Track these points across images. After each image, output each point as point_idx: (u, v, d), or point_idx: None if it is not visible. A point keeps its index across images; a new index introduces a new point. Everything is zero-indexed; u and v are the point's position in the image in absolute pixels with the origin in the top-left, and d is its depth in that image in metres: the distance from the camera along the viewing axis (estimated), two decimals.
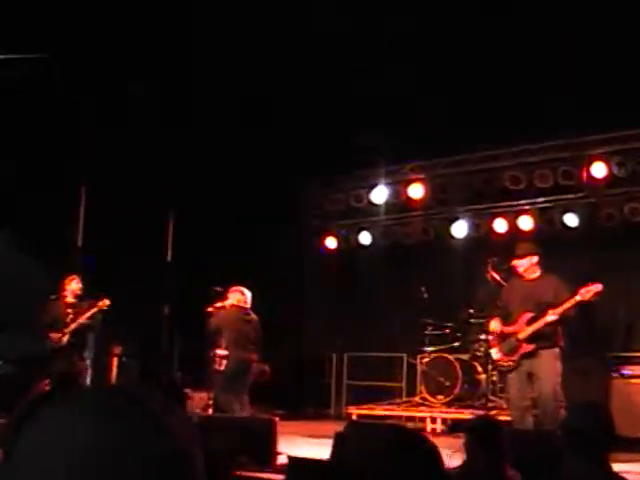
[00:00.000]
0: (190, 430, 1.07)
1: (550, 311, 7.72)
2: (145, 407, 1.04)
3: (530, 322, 7.86)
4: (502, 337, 8.08)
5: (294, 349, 13.61)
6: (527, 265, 8.08)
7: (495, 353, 8.20)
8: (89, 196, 12.02)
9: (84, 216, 12.08)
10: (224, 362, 9.79)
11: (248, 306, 10.00)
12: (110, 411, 1.01)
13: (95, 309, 9.74)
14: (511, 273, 8.57)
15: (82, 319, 9.69)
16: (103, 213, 11.46)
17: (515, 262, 8.17)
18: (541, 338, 7.78)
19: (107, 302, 9.76)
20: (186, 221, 12.90)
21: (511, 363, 7.95)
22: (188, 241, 12.84)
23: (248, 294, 10.04)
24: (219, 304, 10.06)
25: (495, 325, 8.33)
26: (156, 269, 12.95)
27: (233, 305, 9.95)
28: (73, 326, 9.67)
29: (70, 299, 9.90)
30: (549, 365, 7.72)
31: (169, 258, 13.45)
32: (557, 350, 7.82)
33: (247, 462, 6.67)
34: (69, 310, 9.77)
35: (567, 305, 7.67)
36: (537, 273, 8.11)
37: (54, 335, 9.62)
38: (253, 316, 9.99)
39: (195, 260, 12.45)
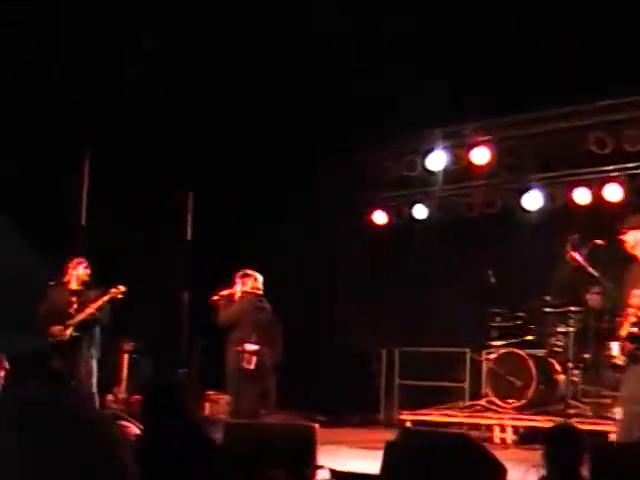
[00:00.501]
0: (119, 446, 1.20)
1: (629, 309, 7.43)
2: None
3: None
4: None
5: (337, 343, 13.62)
6: (633, 242, 7.82)
7: (614, 347, 7.96)
8: (92, 166, 12.15)
9: (87, 190, 12.17)
10: (254, 359, 9.84)
11: (261, 292, 10.11)
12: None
13: (107, 297, 9.65)
14: (596, 252, 8.40)
15: (90, 309, 9.58)
16: (108, 185, 11.64)
17: (621, 237, 7.94)
18: (636, 338, 7.49)
19: (122, 289, 9.68)
20: (208, 193, 13.06)
21: (622, 362, 7.74)
22: (210, 217, 12.98)
23: (260, 279, 10.12)
24: (225, 292, 10.13)
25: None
26: (173, 250, 13.13)
27: (247, 292, 10.02)
28: (79, 317, 9.58)
29: (74, 286, 9.81)
30: None
31: (189, 236, 13.58)
32: None
33: (281, 477, 6.65)
34: (73, 299, 9.69)
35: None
36: None
37: (55, 328, 9.54)
38: (267, 304, 10.10)
39: (219, 238, 12.63)
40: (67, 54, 10.75)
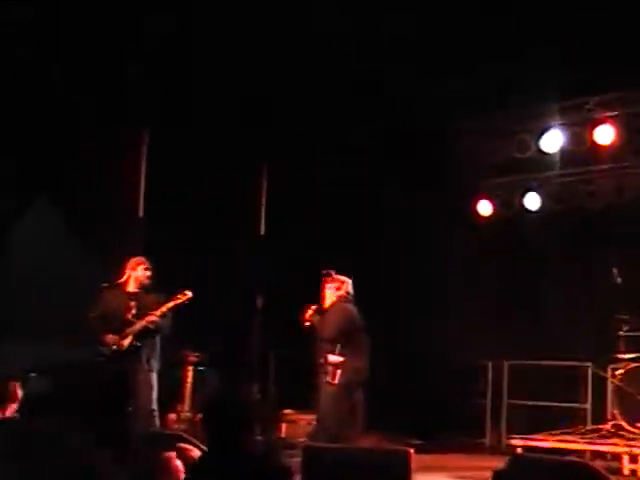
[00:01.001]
0: None
1: None
2: None
3: None
4: None
5: (434, 354, 13.55)
6: None
7: None
8: (152, 147, 12.25)
9: (145, 178, 12.27)
10: (339, 372, 9.90)
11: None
12: None
13: (172, 304, 9.65)
14: None
15: (152, 317, 9.58)
16: (170, 172, 11.78)
17: None
18: None
19: (189, 294, 9.70)
20: (285, 179, 13.07)
21: None
22: (287, 208, 13.06)
23: (350, 282, 10.22)
24: (314, 305, 10.18)
25: None
26: (245, 247, 13.18)
27: (341, 297, 10.07)
28: (140, 325, 9.58)
29: (132, 289, 9.84)
30: None
31: (262, 231, 13.65)
32: None
33: None
34: (131, 303, 9.72)
35: None
36: None
37: (111, 337, 9.56)
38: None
39: (298, 234, 12.81)
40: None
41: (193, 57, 11.94)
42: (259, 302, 13.35)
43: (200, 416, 10.62)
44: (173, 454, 4.95)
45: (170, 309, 9.67)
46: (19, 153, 11.48)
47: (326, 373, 9.86)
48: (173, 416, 11.28)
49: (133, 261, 9.93)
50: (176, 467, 4.86)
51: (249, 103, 12.55)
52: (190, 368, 11.60)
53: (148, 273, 9.85)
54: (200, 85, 12.12)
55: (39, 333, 10.88)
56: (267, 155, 13.20)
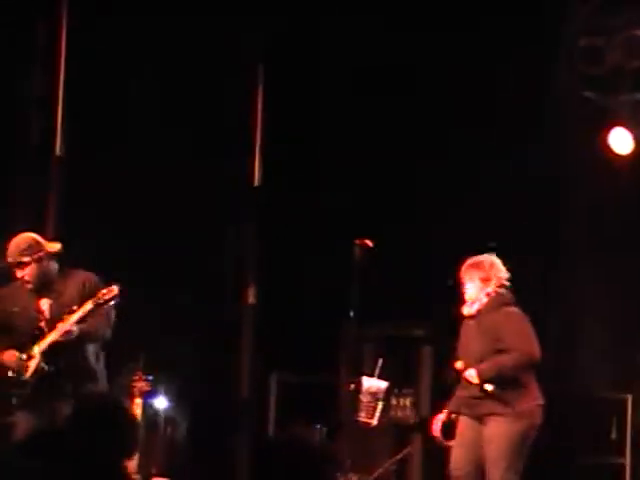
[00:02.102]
0: None
1: None
2: None
3: None
4: None
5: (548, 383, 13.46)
6: None
7: None
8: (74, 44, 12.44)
9: (64, 90, 12.45)
10: (379, 409, 10.44)
11: None
12: None
13: (90, 306, 9.68)
14: None
15: (65, 325, 9.63)
16: (101, 79, 12.12)
17: None
18: None
19: (114, 291, 9.70)
20: (292, 102, 13.45)
21: None
22: (293, 148, 13.49)
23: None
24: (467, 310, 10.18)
25: None
26: (228, 206, 13.42)
27: (496, 296, 10.13)
28: (51, 338, 9.69)
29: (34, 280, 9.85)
30: None
31: (256, 180, 13.89)
32: None
33: None
34: (44, 303, 9.94)
35: None
36: None
37: (10, 356, 9.78)
38: None
39: (310, 186, 13.13)
40: None
41: None
42: (250, 297, 13.36)
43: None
44: None
45: (88, 313, 9.69)
46: None
47: (358, 407, 9.89)
48: None
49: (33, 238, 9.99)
50: None
51: None
52: (139, 402, 11.58)
53: (57, 246, 10.08)
54: None
55: None
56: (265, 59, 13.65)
